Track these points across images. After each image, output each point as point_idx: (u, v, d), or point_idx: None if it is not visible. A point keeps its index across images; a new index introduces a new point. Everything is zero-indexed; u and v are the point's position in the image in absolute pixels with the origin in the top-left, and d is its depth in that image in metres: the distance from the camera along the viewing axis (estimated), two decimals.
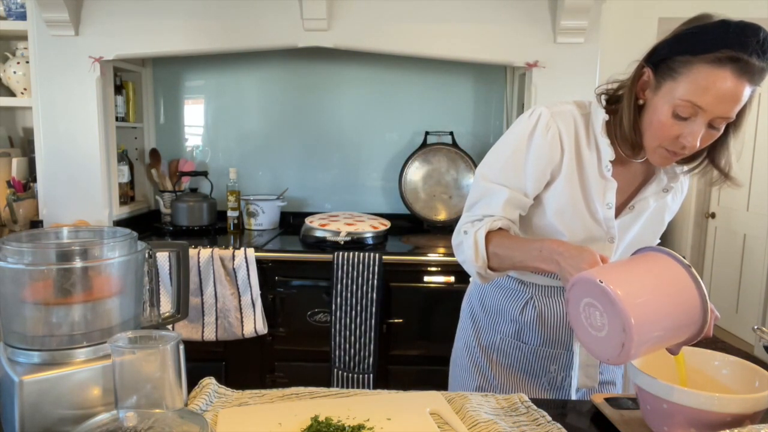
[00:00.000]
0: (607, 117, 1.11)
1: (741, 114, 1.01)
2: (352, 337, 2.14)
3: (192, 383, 1.01)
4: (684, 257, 0.87)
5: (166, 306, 1.69)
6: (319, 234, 2.31)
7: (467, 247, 1.14)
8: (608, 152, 1.11)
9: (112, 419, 0.78)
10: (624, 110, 1.08)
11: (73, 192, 2.36)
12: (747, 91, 0.96)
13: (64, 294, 0.86)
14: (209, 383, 1.04)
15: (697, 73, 0.95)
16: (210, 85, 2.82)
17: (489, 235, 1.13)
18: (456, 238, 1.20)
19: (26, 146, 2.60)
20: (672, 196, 1.19)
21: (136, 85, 2.73)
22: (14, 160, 2.46)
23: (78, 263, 0.86)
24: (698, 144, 1.00)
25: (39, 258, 0.85)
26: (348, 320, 2.13)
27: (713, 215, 4.41)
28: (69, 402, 0.84)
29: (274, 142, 2.83)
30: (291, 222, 2.76)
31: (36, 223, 2.40)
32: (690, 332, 0.88)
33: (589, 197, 1.14)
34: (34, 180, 2.43)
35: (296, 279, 2.22)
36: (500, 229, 1.14)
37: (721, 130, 1.00)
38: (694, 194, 4.27)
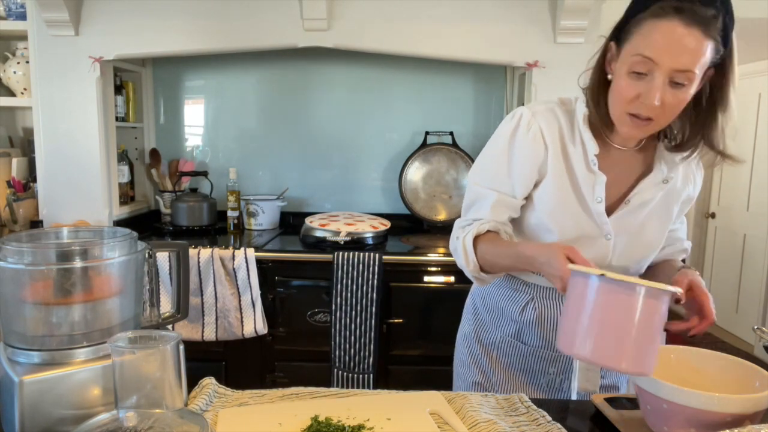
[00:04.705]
0: (586, 110, 1.11)
1: (723, 87, 1.01)
2: (352, 337, 2.14)
3: (192, 383, 1.01)
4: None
5: (166, 306, 1.69)
6: (319, 234, 2.31)
7: (459, 252, 1.17)
8: (592, 146, 1.10)
9: (112, 419, 0.78)
10: (590, 87, 1.09)
11: (73, 192, 2.36)
12: (706, 43, 0.94)
13: (64, 294, 0.86)
14: (209, 383, 1.04)
15: (646, 27, 0.97)
16: (210, 85, 2.82)
17: (477, 239, 1.14)
18: (452, 243, 1.23)
19: (26, 146, 2.60)
20: (683, 184, 1.17)
21: (136, 85, 2.73)
22: (14, 160, 2.46)
23: (78, 263, 0.86)
24: (657, 102, 0.97)
25: (39, 258, 0.85)
26: (348, 320, 2.13)
27: (713, 215, 4.41)
28: (69, 402, 0.84)
29: (274, 142, 2.83)
30: (291, 222, 2.76)
31: (36, 223, 2.40)
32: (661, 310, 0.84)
33: (580, 193, 1.13)
34: (34, 180, 2.43)
35: (296, 279, 2.22)
36: (489, 231, 1.15)
37: (689, 90, 0.98)
38: None
